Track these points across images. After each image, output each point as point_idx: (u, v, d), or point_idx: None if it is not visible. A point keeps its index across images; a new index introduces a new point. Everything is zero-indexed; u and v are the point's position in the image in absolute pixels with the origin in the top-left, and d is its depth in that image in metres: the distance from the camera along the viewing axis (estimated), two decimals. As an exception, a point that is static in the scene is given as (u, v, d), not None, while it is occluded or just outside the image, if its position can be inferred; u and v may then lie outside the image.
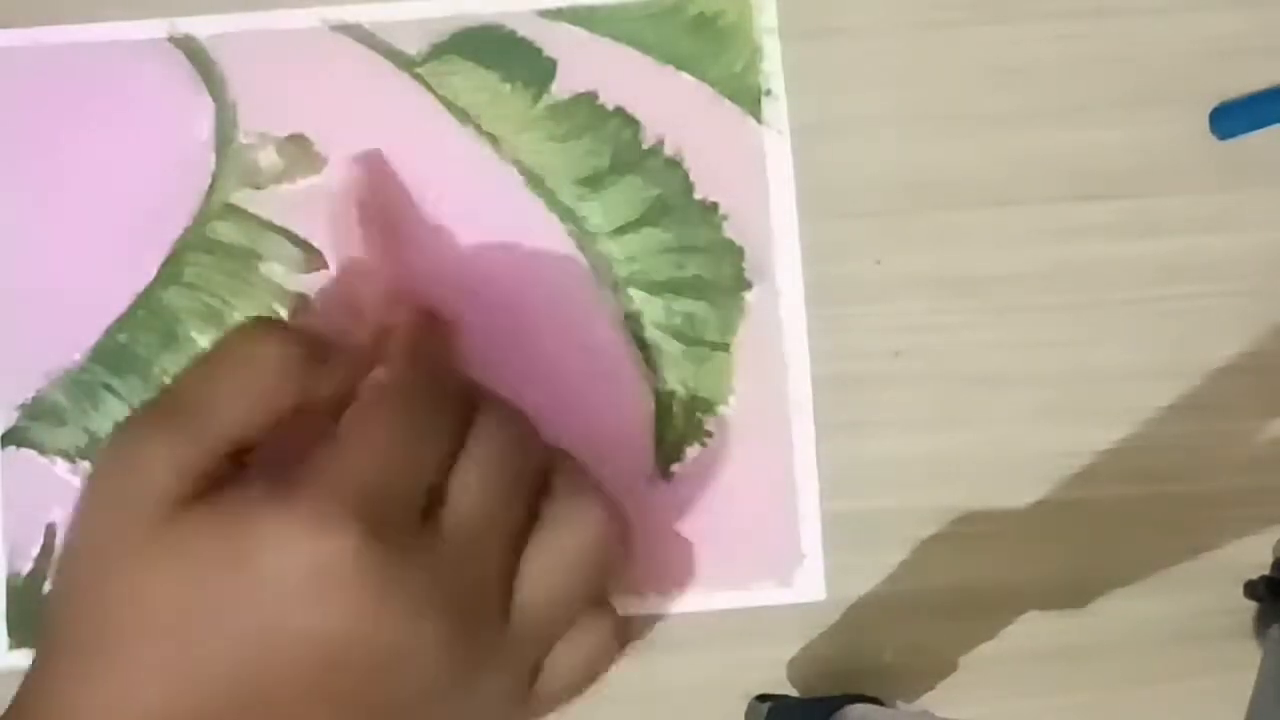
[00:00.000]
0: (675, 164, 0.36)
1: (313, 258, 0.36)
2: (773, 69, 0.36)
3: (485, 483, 0.29)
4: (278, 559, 0.26)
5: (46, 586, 0.35)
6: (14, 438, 0.36)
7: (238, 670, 0.26)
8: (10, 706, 0.27)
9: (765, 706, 0.34)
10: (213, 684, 0.26)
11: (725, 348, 0.36)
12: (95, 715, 0.26)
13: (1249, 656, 0.34)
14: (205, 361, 0.29)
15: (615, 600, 0.35)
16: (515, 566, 0.29)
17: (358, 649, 0.27)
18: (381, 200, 0.35)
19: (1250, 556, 0.36)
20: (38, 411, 0.35)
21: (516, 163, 0.36)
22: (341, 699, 0.27)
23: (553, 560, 0.29)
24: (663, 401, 0.36)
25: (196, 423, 0.28)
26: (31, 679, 0.28)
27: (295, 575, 0.26)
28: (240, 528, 0.27)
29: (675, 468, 0.36)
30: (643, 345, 0.36)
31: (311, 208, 0.36)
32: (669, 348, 0.36)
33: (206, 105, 0.36)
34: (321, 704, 0.27)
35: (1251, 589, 0.36)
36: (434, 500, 0.28)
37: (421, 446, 0.28)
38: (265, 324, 0.30)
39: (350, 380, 0.30)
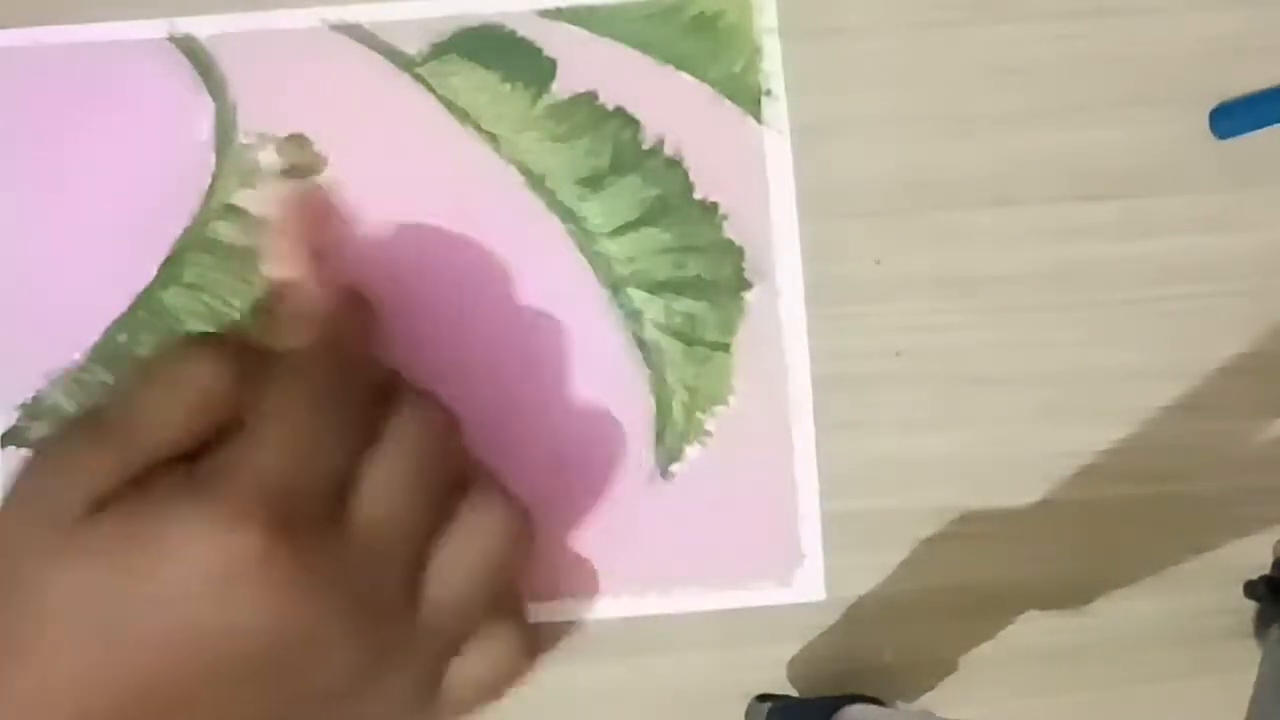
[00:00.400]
0: (675, 164, 0.36)
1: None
2: (773, 69, 0.36)
3: (396, 479, 0.29)
4: (185, 558, 0.26)
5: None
6: (14, 438, 0.36)
7: (150, 669, 0.26)
8: None
9: (765, 706, 0.34)
10: (125, 683, 0.26)
11: (725, 348, 0.36)
12: (7, 717, 0.26)
13: (1249, 656, 0.34)
14: (138, 378, 0.29)
15: (613, 600, 0.35)
16: (424, 565, 0.29)
17: (266, 645, 0.27)
18: (311, 221, 0.35)
19: (1250, 556, 0.36)
20: (38, 411, 0.35)
21: (516, 163, 0.36)
22: (253, 694, 0.27)
23: (458, 560, 0.29)
24: (663, 401, 0.36)
25: (123, 435, 0.28)
26: None
27: (203, 574, 0.26)
28: (148, 527, 0.27)
29: (675, 468, 0.36)
30: (643, 345, 0.36)
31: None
32: (669, 348, 0.36)
33: (206, 105, 0.36)
34: (234, 700, 0.27)
35: (1251, 589, 0.36)
36: (345, 492, 0.28)
37: (329, 438, 0.28)
38: (199, 342, 0.30)
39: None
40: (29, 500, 0.28)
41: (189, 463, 0.28)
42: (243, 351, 0.29)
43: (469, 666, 0.30)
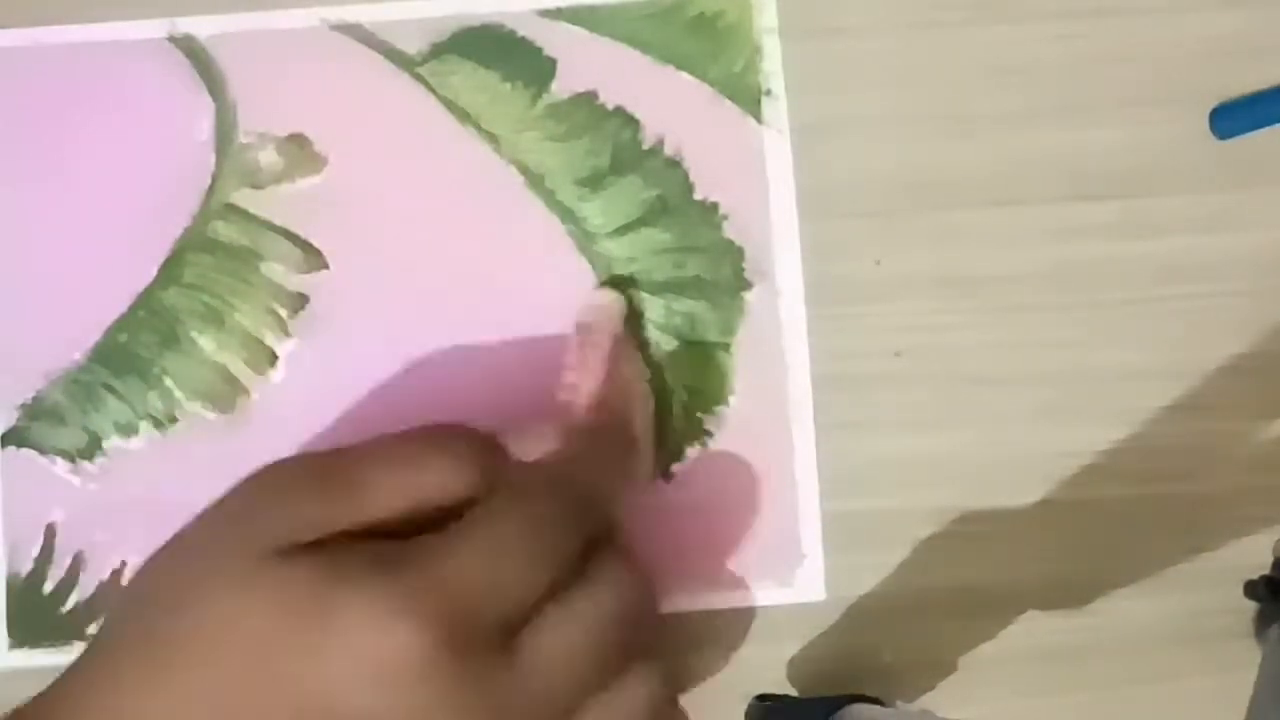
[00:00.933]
0: (675, 164, 0.36)
1: (312, 258, 0.36)
2: (773, 69, 0.36)
3: (580, 633, 0.28)
4: (351, 634, 0.26)
5: (47, 586, 0.35)
6: (14, 438, 0.36)
7: None
8: (50, 690, 0.27)
9: (765, 706, 0.34)
10: None
11: (725, 348, 0.36)
12: None
13: (1249, 656, 0.34)
14: (382, 445, 0.29)
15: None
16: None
17: None
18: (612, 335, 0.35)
19: (1250, 556, 0.36)
20: (38, 411, 0.36)
21: (516, 163, 0.36)
22: None
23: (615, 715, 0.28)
24: (663, 401, 0.36)
25: (346, 492, 0.28)
26: (81, 670, 0.27)
27: (362, 656, 0.25)
28: (330, 590, 0.26)
29: (675, 468, 0.36)
30: (643, 345, 0.36)
31: (311, 208, 0.36)
32: (669, 348, 0.36)
33: (206, 105, 0.36)
34: None
35: (1251, 589, 0.36)
36: (526, 625, 0.27)
37: (533, 567, 0.27)
38: (452, 432, 0.29)
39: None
40: (234, 517, 0.28)
41: (389, 539, 0.27)
42: (490, 452, 0.29)
43: None
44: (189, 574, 0.27)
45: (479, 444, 0.29)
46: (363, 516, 0.28)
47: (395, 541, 0.27)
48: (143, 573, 0.28)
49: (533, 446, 0.31)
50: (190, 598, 0.27)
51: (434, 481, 0.28)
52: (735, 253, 0.36)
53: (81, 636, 0.35)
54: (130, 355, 0.36)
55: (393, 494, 0.28)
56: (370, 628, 0.26)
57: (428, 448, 0.29)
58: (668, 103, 0.36)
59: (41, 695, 0.27)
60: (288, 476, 0.28)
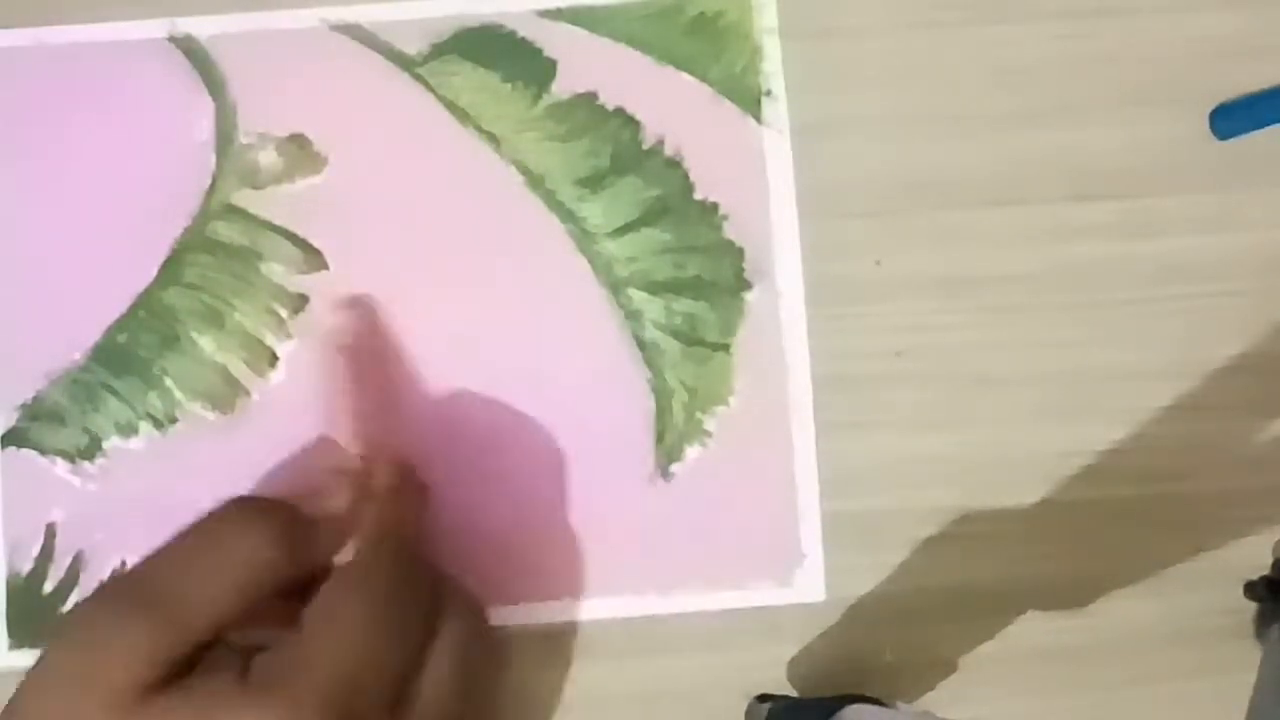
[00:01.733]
0: (675, 164, 0.36)
1: (312, 258, 0.36)
2: (773, 69, 0.36)
3: (455, 683, 0.29)
4: None
5: (47, 586, 0.35)
6: (14, 438, 0.36)
7: None
8: None
9: (765, 706, 0.34)
10: None
11: (725, 348, 0.36)
12: None
13: (1249, 656, 0.34)
14: (183, 546, 0.28)
15: (613, 600, 0.35)
16: None
17: None
18: (369, 346, 0.35)
19: (1250, 557, 0.36)
20: (38, 411, 0.36)
21: (516, 163, 0.36)
22: None
23: None
24: (663, 401, 0.36)
25: (172, 611, 0.27)
26: None
27: None
28: None
29: (675, 468, 0.36)
30: (643, 345, 0.36)
31: (311, 208, 0.36)
32: (669, 348, 0.36)
33: (206, 105, 0.36)
34: None
35: (1251, 589, 0.36)
36: (401, 691, 0.28)
37: (393, 642, 0.28)
38: (247, 510, 0.29)
39: (329, 553, 0.30)
40: (72, 678, 0.27)
41: (237, 645, 0.27)
42: (293, 522, 0.29)
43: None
44: None
45: (274, 512, 0.29)
46: (202, 629, 0.27)
47: (251, 655, 0.27)
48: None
49: (330, 504, 0.31)
50: None
51: (247, 563, 0.28)
52: (735, 253, 0.36)
53: (81, 636, 0.35)
54: (130, 355, 0.36)
55: (216, 594, 0.27)
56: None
57: (223, 527, 0.28)
58: (668, 103, 0.36)
59: None
60: (106, 615, 0.27)
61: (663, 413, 0.36)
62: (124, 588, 0.28)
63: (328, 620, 0.28)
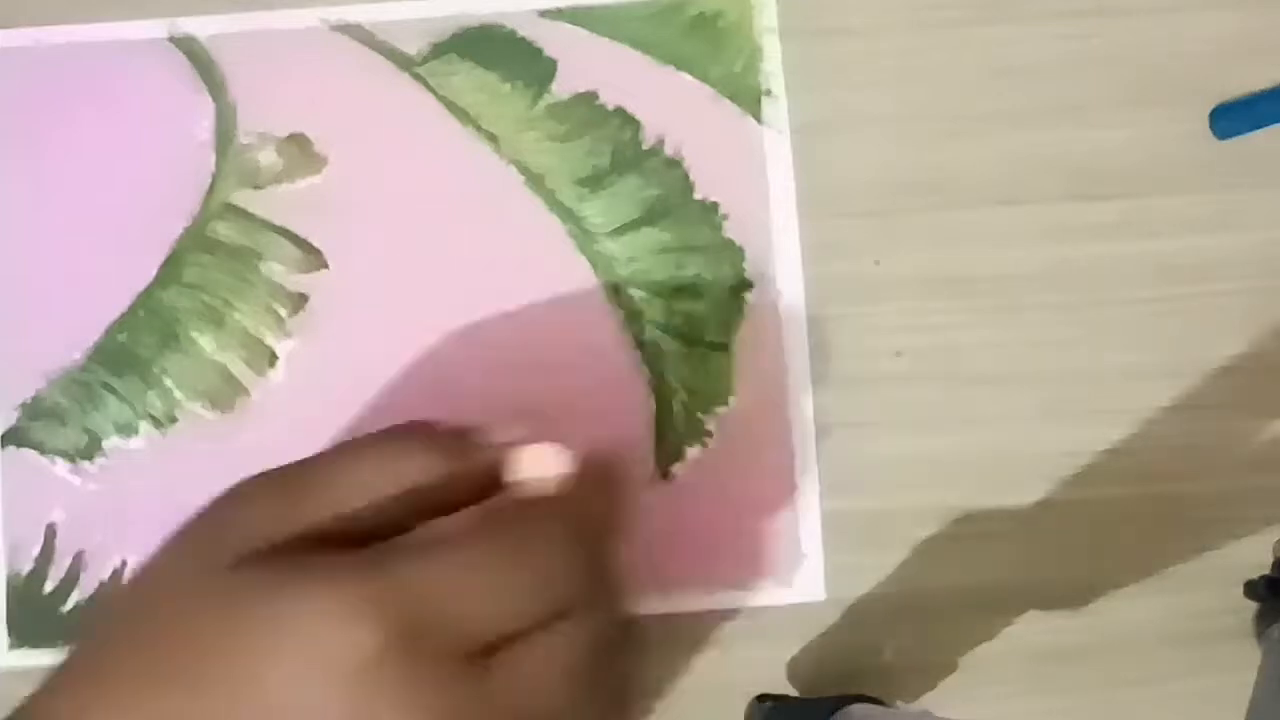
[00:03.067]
0: (675, 164, 0.36)
1: (312, 258, 0.36)
2: (773, 69, 0.36)
3: (549, 670, 0.27)
4: (304, 633, 0.25)
5: (47, 586, 0.35)
6: (14, 438, 0.36)
7: None
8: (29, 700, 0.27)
9: (765, 706, 0.34)
10: None
11: (725, 348, 0.36)
12: None
13: (1249, 656, 0.34)
14: (345, 448, 0.28)
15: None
16: None
17: None
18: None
19: (1250, 556, 0.36)
20: (38, 411, 0.36)
21: (516, 163, 0.36)
22: None
23: None
24: (663, 401, 0.36)
25: (304, 495, 0.27)
26: (52, 680, 0.27)
27: (312, 654, 0.25)
28: (285, 591, 0.25)
29: (675, 468, 0.36)
30: (643, 345, 0.36)
31: (311, 208, 0.36)
32: (669, 348, 0.36)
33: (206, 105, 0.36)
34: None
35: (1251, 589, 0.36)
36: (496, 652, 0.26)
37: (508, 600, 0.26)
38: (415, 433, 0.28)
39: (488, 481, 0.29)
40: (195, 535, 0.27)
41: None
42: (458, 450, 0.28)
43: None
44: (151, 590, 0.27)
45: (441, 438, 0.28)
46: (323, 513, 0.27)
47: (358, 549, 0.26)
48: (120, 590, 0.28)
49: (499, 435, 0.30)
50: (146, 617, 0.27)
51: (398, 469, 0.27)
52: (735, 253, 0.36)
53: (81, 636, 0.35)
54: (130, 355, 0.36)
55: (354, 488, 0.27)
56: (322, 624, 0.25)
57: (388, 440, 0.28)
58: (668, 103, 0.36)
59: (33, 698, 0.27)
60: (249, 487, 0.28)
61: (663, 413, 0.36)
62: (284, 468, 0.28)
63: (457, 539, 0.27)
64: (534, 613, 0.27)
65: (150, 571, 0.28)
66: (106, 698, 0.26)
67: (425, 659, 0.25)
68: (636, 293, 0.36)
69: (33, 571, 0.35)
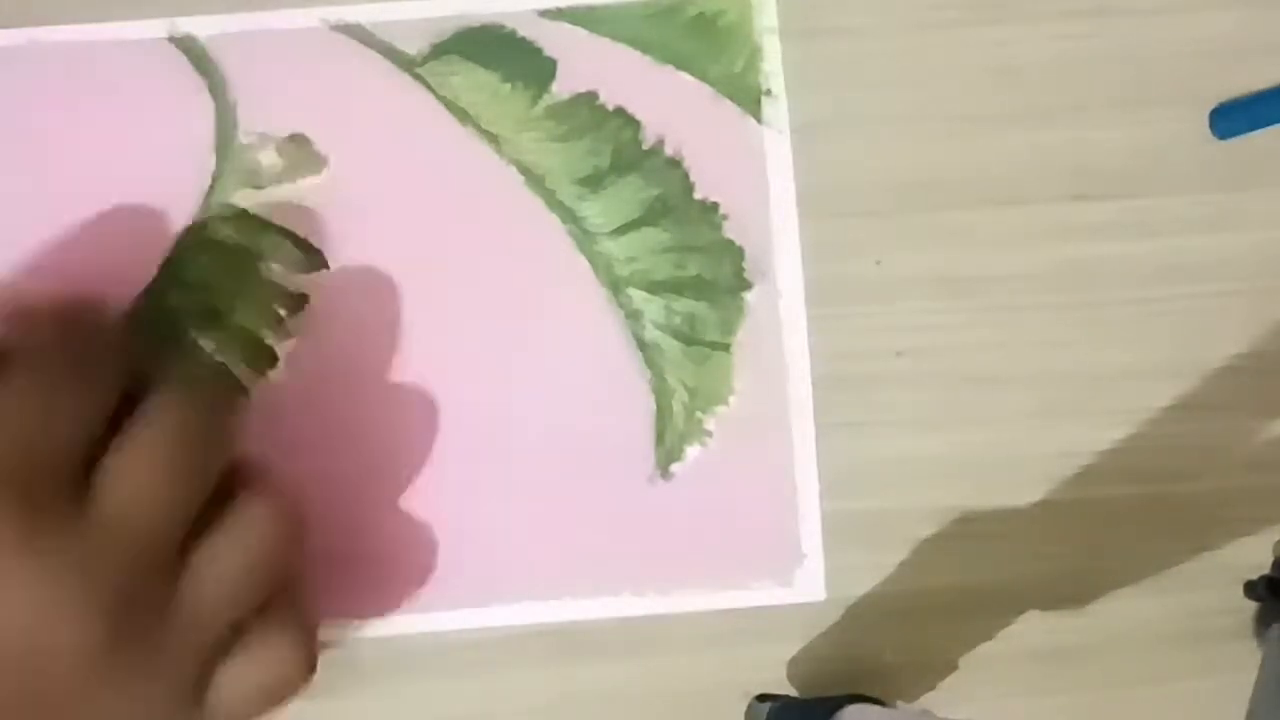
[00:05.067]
0: (675, 164, 0.36)
1: (312, 258, 0.36)
2: (773, 69, 0.36)
3: (145, 461, 0.27)
4: None
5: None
6: (14, 438, 0.35)
7: None
8: None
9: (765, 706, 0.34)
10: None
11: (725, 348, 0.36)
12: None
13: (1249, 656, 0.34)
14: None
15: (613, 600, 0.35)
16: (181, 562, 0.28)
17: (10, 629, 0.25)
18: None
19: (1250, 556, 0.36)
20: (38, 411, 0.35)
21: (516, 163, 0.36)
22: None
23: (217, 556, 0.28)
24: (663, 401, 0.36)
25: None
26: None
27: None
28: None
29: (675, 468, 0.36)
30: (643, 345, 0.36)
31: (311, 208, 0.36)
32: (669, 348, 0.36)
33: (206, 105, 0.36)
34: None
35: (1251, 589, 0.36)
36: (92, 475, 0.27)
37: (61, 415, 0.27)
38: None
39: None
40: None
41: None
42: None
43: (237, 674, 0.29)
44: None
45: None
46: None
47: None
48: None
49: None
50: None
51: None
52: (735, 253, 0.36)
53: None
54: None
55: None
56: None
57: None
58: (668, 103, 0.36)
59: None
60: None
61: (663, 413, 0.36)
62: None
63: (15, 370, 0.27)
64: (92, 421, 0.27)
65: None
66: None
67: (34, 510, 0.26)
68: (636, 293, 0.36)
69: (33, 571, 0.35)
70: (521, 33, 0.36)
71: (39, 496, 0.26)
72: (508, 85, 0.36)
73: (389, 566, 0.35)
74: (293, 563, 0.30)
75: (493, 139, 0.36)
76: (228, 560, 0.28)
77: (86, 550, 0.26)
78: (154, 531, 0.27)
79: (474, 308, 0.36)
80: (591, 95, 0.36)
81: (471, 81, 0.36)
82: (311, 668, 0.30)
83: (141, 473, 0.27)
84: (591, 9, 0.36)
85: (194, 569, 0.28)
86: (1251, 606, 0.36)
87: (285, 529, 0.29)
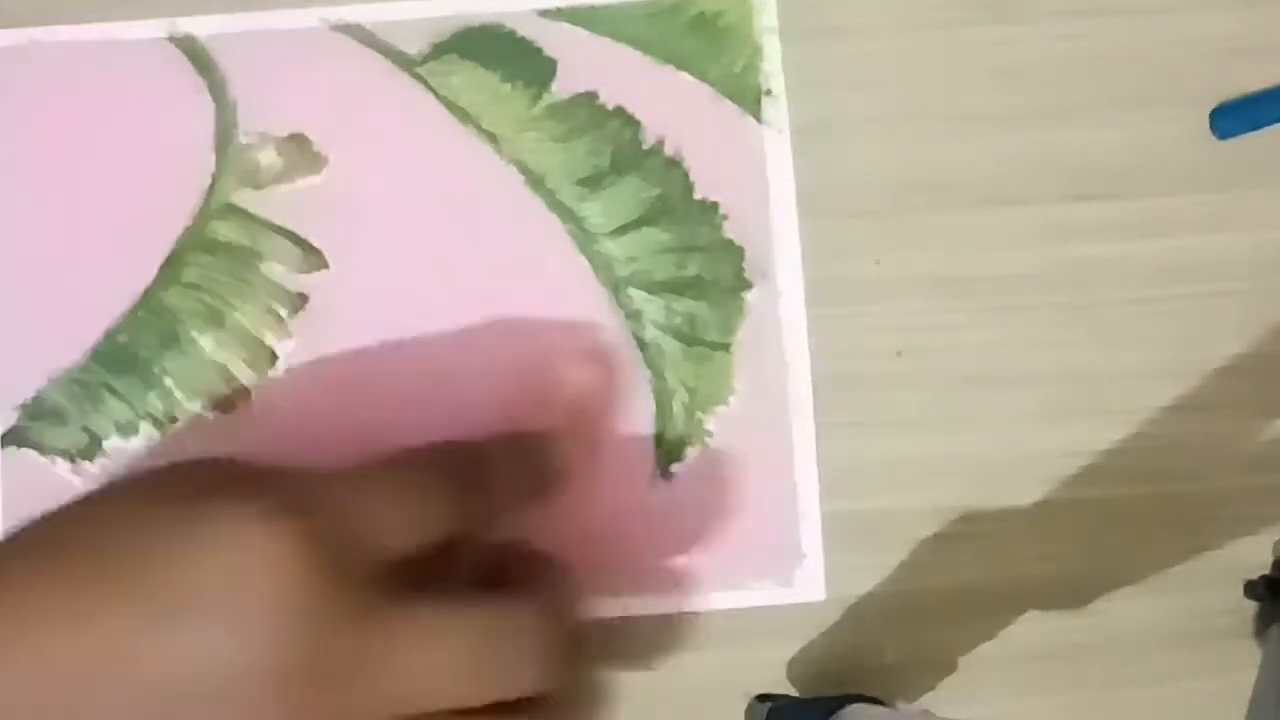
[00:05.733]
0: (675, 164, 0.36)
1: (312, 258, 0.36)
2: (773, 69, 0.36)
3: (460, 638, 0.27)
4: (219, 532, 0.25)
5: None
6: (14, 438, 0.36)
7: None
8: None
9: (765, 706, 0.34)
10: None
11: (725, 348, 0.36)
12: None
13: (1249, 656, 0.34)
14: (365, 482, 0.28)
15: (613, 600, 0.35)
16: None
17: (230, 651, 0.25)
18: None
19: (1250, 556, 0.36)
20: (38, 411, 0.35)
21: (516, 163, 0.36)
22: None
23: None
24: (663, 401, 0.36)
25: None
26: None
27: (222, 558, 0.25)
28: (208, 493, 0.26)
29: (675, 468, 0.36)
30: (643, 345, 0.36)
31: (311, 208, 0.36)
32: (669, 348, 0.36)
33: (206, 105, 0.36)
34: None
35: (1251, 589, 0.36)
36: (409, 595, 0.27)
37: (418, 524, 0.28)
38: (437, 476, 0.29)
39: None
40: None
41: None
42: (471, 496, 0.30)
43: None
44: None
45: (458, 475, 0.30)
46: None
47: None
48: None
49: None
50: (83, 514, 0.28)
51: (409, 515, 0.28)
52: (735, 253, 0.36)
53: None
54: (130, 355, 0.36)
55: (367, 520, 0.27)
56: (238, 524, 0.25)
57: (409, 481, 0.29)
58: (668, 103, 0.36)
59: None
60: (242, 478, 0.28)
61: (663, 413, 0.36)
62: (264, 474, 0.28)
63: (383, 473, 0.28)
64: (442, 528, 0.28)
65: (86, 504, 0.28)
66: (16, 602, 0.26)
67: (329, 564, 0.26)
68: (636, 293, 0.36)
69: (33, 571, 0.35)
70: (521, 33, 0.36)
71: (338, 555, 0.26)
72: (508, 85, 0.36)
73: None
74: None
75: (493, 139, 0.36)
76: None
77: (346, 623, 0.26)
78: (405, 699, 0.26)
79: (474, 308, 0.36)
80: (591, 95, 0.36)
81: (471, 81, 0.36)
82: None
83: (442, 658, 0.27)
84: (591, 9, 0.36)
85: None
86: (1251, 606, 0.36)
87: None
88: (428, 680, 0.26)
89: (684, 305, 0.36)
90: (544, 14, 0.36)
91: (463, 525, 0.29)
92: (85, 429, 0.35)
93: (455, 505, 0.29)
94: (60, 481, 0.35)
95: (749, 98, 0.36)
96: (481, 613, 0.27)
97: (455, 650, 0.26)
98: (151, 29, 0.36)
